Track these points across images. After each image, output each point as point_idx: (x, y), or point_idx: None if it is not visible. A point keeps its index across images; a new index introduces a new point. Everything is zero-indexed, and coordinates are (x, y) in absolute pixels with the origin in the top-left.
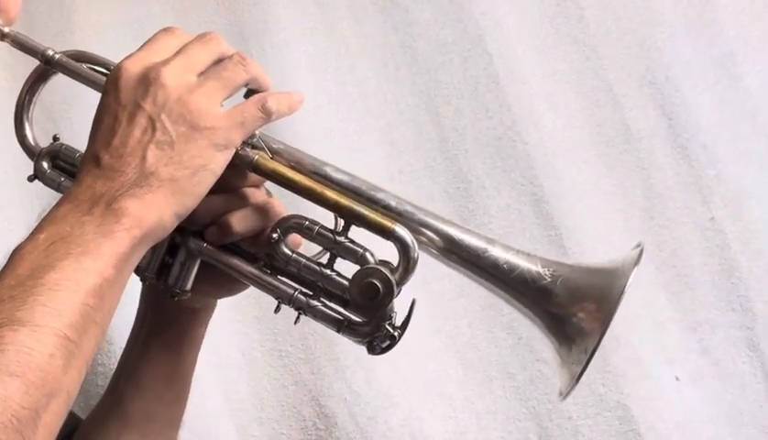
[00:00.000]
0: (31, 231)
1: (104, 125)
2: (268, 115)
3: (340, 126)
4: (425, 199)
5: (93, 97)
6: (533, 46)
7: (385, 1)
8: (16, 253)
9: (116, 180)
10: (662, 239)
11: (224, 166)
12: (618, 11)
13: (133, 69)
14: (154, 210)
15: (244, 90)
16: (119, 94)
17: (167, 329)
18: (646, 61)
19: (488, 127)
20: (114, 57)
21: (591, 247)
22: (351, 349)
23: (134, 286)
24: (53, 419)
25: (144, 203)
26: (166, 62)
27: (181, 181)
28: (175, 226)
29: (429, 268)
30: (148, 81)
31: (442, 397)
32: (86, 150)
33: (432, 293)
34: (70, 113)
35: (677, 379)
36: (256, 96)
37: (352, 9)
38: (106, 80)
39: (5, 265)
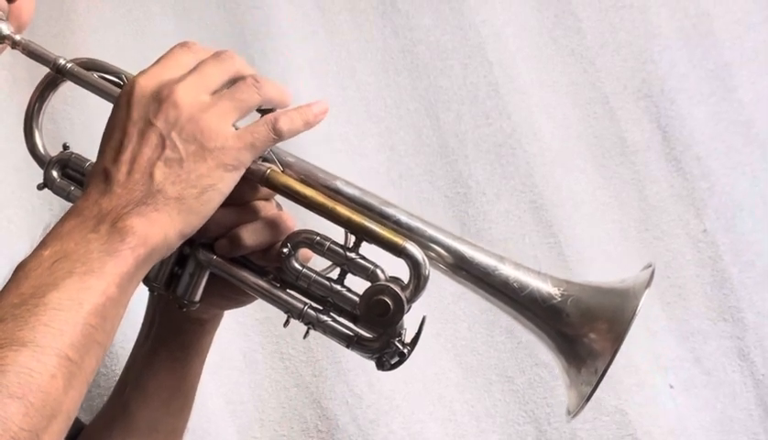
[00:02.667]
0: (36, 246)
1: (114, 139)
2: (279, 136)
3: (341, 130)
4: (425, 204)
5: (95, 100)
6: (532, 56)
7: (386, 6)
8: (20, 270)
9: (123, 197)
10: (656, 250)
11: (233, 186)
12: (615, 24)
13: (146, 85)
14: (159, 228)
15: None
16: (131, 110)
17: (174, 339)
18: (642, 74)
19: (488, 134)
20: (114, 58)
21: (590, 256)
22: (353, 353)
23: (141, 291)
24: (53, 439)
25: (149, 221)
26: (180, 80)
27: (188, 200)
28: (180, 244)
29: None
30: (160, 98)
31: (442, 400)
32: (95, 164)
33: (431, 297)
34: (71, 114)
35: (671, 386)
36: (267, 116)
37: (353, 14)
38: (119, 94)
39: (9, 282)
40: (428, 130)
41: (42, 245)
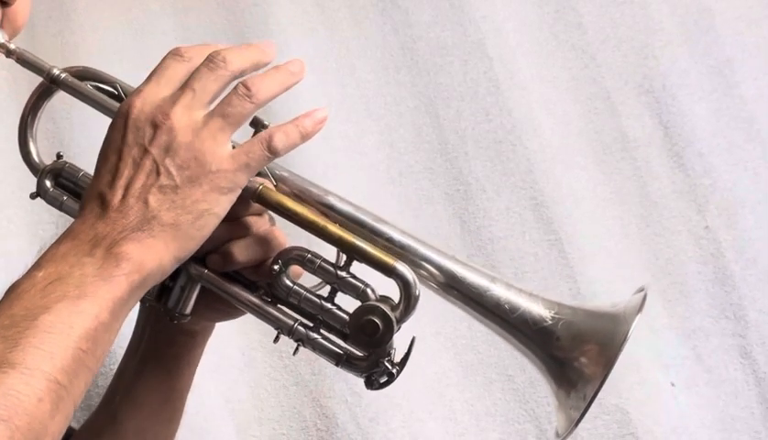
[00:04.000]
0: (30, 266)
1: (109, 163)
2: (274, 154)
3: (340, 127)
4: (425, 201)
5: None
6: (533, 51)
7: (385, 3)
8: (13, 290)
9: (119, 222)
10: (657, 247)
11: (228, 209)
12: (615, 19)
13: (142, 108)
14: (154, 255)
15: None
16: (127, 134)
17: (164, 350)
18: (643, 70)
19: (488, 131)
20: (113, 57)
21: (590, 253)
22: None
23: None
24: None
25: (144, 247)
26: (174, 101)
27: (183, 226)
28: (174, 269)
29: None
30: (155, 123)
31: (442, 399)
32: (91, 185)
33: (432, 295)
34: (71, 113)
35: (673, 384)
36: (262, 134)
37: (352, 11)
38: (115, 115)
39: (1, 302)
40: (428, 127)
41: (36, 266)
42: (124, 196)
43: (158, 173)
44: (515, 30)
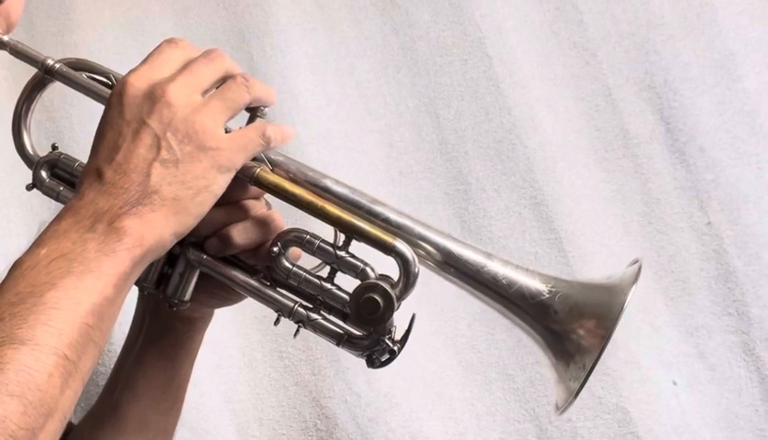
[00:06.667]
0: (32, 243)
1: (107, 139)
2: (267, 143)
3: (340, 127)
4: (425, 201)
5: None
6: (533, 49)
7: (385, 3)
8: (17, 268)
9: (119, 197)
10: (659, 244)
11: (225, 188)
12: (616, 15)
13: (138, 84)
14: (155, 229)
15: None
16: (124, 110)
17: (164, 338)
18: (645, 65)
19: (488, 130)
20: (113, 56)
21: (591, 251)
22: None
23: (133, 290)
24: (49, 438)
25: (145, 221)
26: (171, 79)
27: (183, 200)
28: (173, 245)
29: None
30: (153, 98)
31: (442, 398)
32: (88, 163)
33: (432, 294)
34: (70, 112)
35: (675, 383)
36: (257, 123)
37: (352, 11)
38: (111, 94)
39: (5, 279)
40: (428, 127)
41: (38, 243)
42: (124, 171)
43: (159, 147)
44: (515, 29)
